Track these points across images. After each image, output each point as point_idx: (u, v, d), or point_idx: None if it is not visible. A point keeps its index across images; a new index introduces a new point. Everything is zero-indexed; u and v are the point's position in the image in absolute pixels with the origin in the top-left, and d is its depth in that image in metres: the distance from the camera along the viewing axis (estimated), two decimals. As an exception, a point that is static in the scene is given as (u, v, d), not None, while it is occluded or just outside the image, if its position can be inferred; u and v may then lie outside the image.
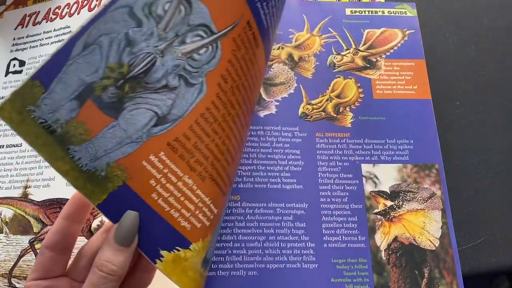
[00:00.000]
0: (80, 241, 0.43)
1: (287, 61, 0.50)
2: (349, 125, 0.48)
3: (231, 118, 0.33)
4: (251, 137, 0.46)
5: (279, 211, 0.44)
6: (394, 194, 0.45)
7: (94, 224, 0.46)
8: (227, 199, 0.36)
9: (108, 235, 0.30)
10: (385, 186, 0.45)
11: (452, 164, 0.47)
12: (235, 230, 0.43)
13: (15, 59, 0.56)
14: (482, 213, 0.46)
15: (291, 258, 0.42)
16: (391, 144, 0.47)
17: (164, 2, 0.29)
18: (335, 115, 0.48)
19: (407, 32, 0.52)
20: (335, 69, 0.50)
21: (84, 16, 0.56)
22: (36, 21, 0.58)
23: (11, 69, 0.56)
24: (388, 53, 0.51)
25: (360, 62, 0.50)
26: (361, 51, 0.51)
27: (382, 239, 0.44)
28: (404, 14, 0.53)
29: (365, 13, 0.53)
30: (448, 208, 0.44)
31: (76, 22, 0.56)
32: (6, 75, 0.56)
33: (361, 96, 0.49)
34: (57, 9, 0.58)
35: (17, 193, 0.49)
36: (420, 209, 0.44)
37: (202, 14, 0.30)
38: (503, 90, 0.52)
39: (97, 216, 0.46)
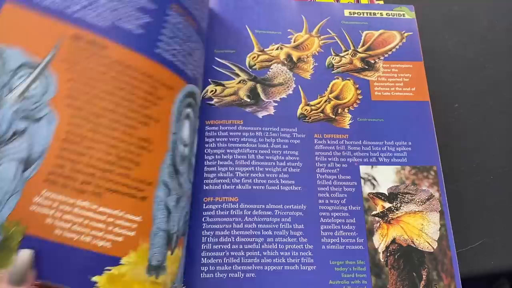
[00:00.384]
0: None
1: (285, 62, 0.50)
2: (348, 127, 0.47)
3: (106, 126, 0.34)
4: (250, 138, 0.46)
5: (277, 212, 0.44)
6: (392, 196, 0.45)
7: None
8: (168, 198, 0.36)
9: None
10: (384, 188, 0.45)
11: (452, 166, 0.47)
12: (233, 232, 0.43)
13: None
14: (481, 215, 0.46)
15: (289, 260, 0.42)
16: (389, 146, 0.47)
17: None
18: (334, 117, 0.48)
19: (405, 34, 0.52)
20: (333, 70, 0.50)
21: None
22: None
23: None
24: (386, 55, 0.51)
25: (358, 64, 0.50)
26: (360, 52, 0.51)
27: (380, 241, 0.43)
28: (402, 17, 0.53)
29: (363, 14, 0.53)
30: (446, 210, 0.44)
31: None
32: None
33: (360, 97, 0.49)
34: None
35: None
36: (418, 211, 0.44)
37: (16, 57, 0.32)
38: (502, 92, 0.52)
39: None
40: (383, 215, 0.44)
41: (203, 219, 0.43)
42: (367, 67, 0.50)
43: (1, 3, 0.33)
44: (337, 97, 0.49)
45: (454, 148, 0.49)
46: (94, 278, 0.31)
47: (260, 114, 0.47)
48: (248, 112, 0.47)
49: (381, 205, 0.45)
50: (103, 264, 0.32)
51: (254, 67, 0.49)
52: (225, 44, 0.50)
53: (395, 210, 0.44)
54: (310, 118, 0.48)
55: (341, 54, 0.51)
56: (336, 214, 0.44)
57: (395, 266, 0.43)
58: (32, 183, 0.31)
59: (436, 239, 0.43)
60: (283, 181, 0.45)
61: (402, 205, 0.45)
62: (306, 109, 0.48)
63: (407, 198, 0.45)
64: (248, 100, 0.48)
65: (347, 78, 0.50)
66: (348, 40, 0.51)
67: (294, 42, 0.51)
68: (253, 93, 0.48)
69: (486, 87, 0.52)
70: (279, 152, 0.46)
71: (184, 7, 0.40)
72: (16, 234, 0.30)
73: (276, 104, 0.48)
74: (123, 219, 0.33)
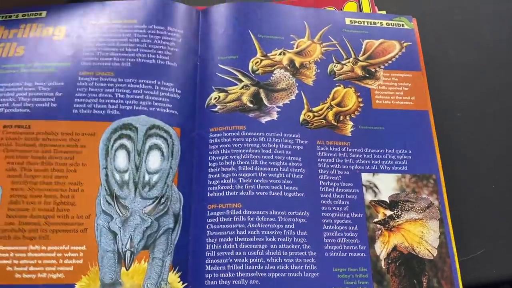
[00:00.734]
0: None
1: (288, 67, 0.50)
2: (349, 134, 0.48)
3: (41, 182, 0.42)
4: (253, 144, 0.46)
5: (280, 219, 0.43)
6: (393, 204, 0.46)
7: None
8: (111, 223, 0.42)
9: None
10: (385, 195, 0.46)
11: (453, 175, 0.48)
12: (236, 239, 0.42)
13: None
14: (483, 224, 0.47)
15: (292, 267, 0.42)
16: (390, 154, 0.47)
17: None
18: (336, 124, 0.48)
19: (405, 44, 0.53)
20: (335, 78, 0.50)
21: None
22: None
23: None
24: (386, 64, 0.52)
25: (359, 72, 0.51)
26: (361, 61, 0.51)
27: (381, 248, 0.44)
28: (401, 27, 0.54)
29: (364, 23, 0.53)
30: (446, 218, 0.45)
31: None
32: None
33: (361, 105, 0.49)
34: None
35: None
36: (418, 218, 0.45)
37: None
38: (504, 100, 0.54)
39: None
40: (384, 222, 0.45)
41: (207, 227, 0.43)
42: (368, 75, 0.51)
43: None
44: (339, 104, 0.49)
45: (456, 156, 0.50)
46: None
47: (263, 120, 0.47)
48: (251, 117, 0.47)
49: (382, 213, 0.45)
50: None
51: (257, 72, 0.49)
52: (228, 50, 0.50)
53: (396, 218, 0.45)
54: (312, 124, 0.48)
55: (342, 62, 0.51)
56: (339, 221, 0.44)
57: (396, 273, 0.43)
58: None
59: (436, 247, 0.44)
60: (286, 187, 0.45)
61: (403, 212, 0.45)
62: (308, 115, 0.48)
63: (408, 206, 0.46)
64: (251, 106, 0.48)
65: (349, 85, 0.50)
66: (349, 48, 0.52)
67: (297, 47, 0.51)
68: (256, 98, 0.48)
69: (488, 95, 0.54)
70: (282, 158, 0.46)
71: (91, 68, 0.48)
72: None
73: (279, 110, 0.48)
74: (70, 251, 0.41)
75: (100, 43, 0.49)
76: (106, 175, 0.43)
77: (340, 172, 0.46)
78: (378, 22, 0.54)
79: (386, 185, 0.46)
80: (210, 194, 0.44)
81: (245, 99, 0.48)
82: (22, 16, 0.51)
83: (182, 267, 0.41)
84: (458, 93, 0.55)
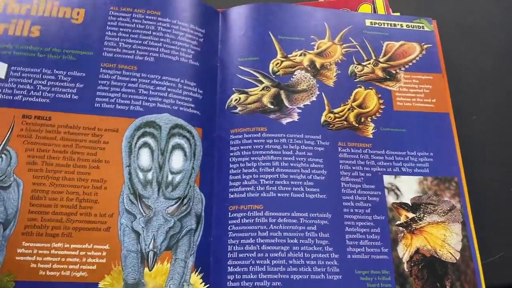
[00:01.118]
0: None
1: (309, 68, 0.50)
2: (371, 136, 0.48)
3: (63, 178, 0.42)
4: (274, 145, 0.45)
5: (302, 220, 0.43)
6: (415, 206, 0.45)
7: None
8: (134, 223, 0.41)
9: None
10: (407, 198, 0.45)
11: (474, 177, 0.48)
12: (258, 240, 0.42)
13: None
14: (505, 227, 0.47)
15: (315, 269, 0.42)
16: (411, 156, 0.47)
17: None
18: (357, 125, 0.48)
19: (425, 46, 0.52)
20: (356, 79, 0.50)
21: None
22: None
23: None
24: (407, 66, 0.51)
25: (380, 74, 0.51)
26: (381, 62, 0.51)
27: (404, 251, 0.44)
28: (421, 29, 0.53)
29: (384, 25, 0.53)
30: (468, 221, 0.45)
31: None
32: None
33: (382, 107, 0.49)
34: None
35: None
36: (440, 221, 0.45)
37: None
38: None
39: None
40: (407, 225, 0.44)
41: (228, 228, 0.43)
42: (388, 77, 0.51)
43: None
44: (360, 106, 0.49)
45: (476, 159, 0.50)
46: None
47: (284, 121, 0.47)
48: (272, 119, 0.47)
49: (404, 215, 0.45)
50: None
51: (277, 74, 0.49)
52: (248, 51, 0.50)
53: (418, 221, 0.45)
54: (334, 125, 0.47)
55: (363, 63, 0.51)
56: (361, 223, 0.44)
57: (419, 276, 0.43)
58: (13, 239, 0.39)
59: (459, 250, 0.44)
60: (308, 189, 0.44)
61: (425, 215, 0.45)
62: (330, 117, 0.48)
63: (430, 208, 0.45)
64: (272, 107, 0.47)
65: (370, 87, 0.50)
66: (370, 49, 0.52)
67: (317, 48, 0.51)
68: (277, 99, 0.48)
69: (505, 98, 0.54)
70: (303, 160, 0.45)
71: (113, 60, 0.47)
72: (8, 284, 0.38)
73: (300, 111, 0.48)
74: (93, 250, 0.40)
75: (123, 33, 0.48)
76: (130, 173, 0.43)
77: (362, 174, 0.46)
78: (398, 24, 0.54)
79: (408, 187, 0.46)
80: (232, 196, 0.44)
81: (266, 100, 0.48)
82: None
83: (204, 268, 0.41)
84: (474, 95, 0.54)
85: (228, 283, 0.41)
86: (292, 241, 0.42)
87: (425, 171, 0.47)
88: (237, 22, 0.51)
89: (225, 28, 0.51)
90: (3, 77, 0.44)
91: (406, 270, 0.43)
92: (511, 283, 0.44)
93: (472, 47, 0.57)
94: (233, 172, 0.45)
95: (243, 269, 0.41)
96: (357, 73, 0.50)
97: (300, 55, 0.50)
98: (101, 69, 0.46)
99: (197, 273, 0.41)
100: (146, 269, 0.40)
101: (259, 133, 0.46)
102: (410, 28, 0.54)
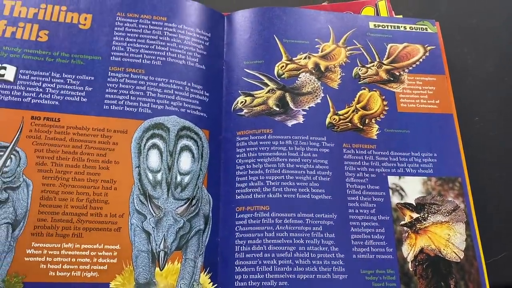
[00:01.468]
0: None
1: (313, 71, 0.50)
2: (375, 137, 0.48)
3: (73, 179, 0.42)
4: (279, 147, 0.46)
5: (308, 221, 0.44)
6: (419, 207, 0.46)
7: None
8: (144, 223, 0.42)
9: None
10: (411, 198, 0.46)
11: (478, 177, 0.48)
12: (264, 241, 0.43)
13: None
14: (509, 227, 0.47)
15: (321, 269, 0.42)
16: (415, 157, 0.48)
17: None
18: (362, 127, 0.49)
19: (428, 48, 0.53)
20: (360, 81, 0.51)
21: None
22: None
23: None
24: (410, 68, 0.52)
25: (384, 75, 0.51)
26: (385, 64, 0.52)
27: (409, 251, 0.44)
28: (425, 31, 0.54)
29: (387, 27, 0.54)
30: (472, 221, 0.46)
31: None
32: None
33: (386, 108, 0.50)
34: None
35: None
36: (444, 221, 0.45)
37: None
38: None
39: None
40: (411, 225, 0.45)
41: (235, 228, 0.43)
42: (392, 79, 0.51)
43: None
44: (364, 108, 0.49)
45: (480, 159, 0.50)
46: None
47: (290, 123, 0.48)
48: (278, 121, 0.48)
49: (409, 215, 0.45)
50: None
51: (282, 76, 0.50)
52: (254, 55, 0.51)
53: (422, 221, 0.45)
54: (338, 127, 0.48)
55: (367, 65, 0.52)
56: (366, 223, 0.45)
57: (423, 275, 0.43)
58: (23, 239, 0.39)
59: (463, 249, 0.44)
60: (314, 190, 0.45)
61: (429, 215, 0.46)
62: (334, 118, 0.48)
63: (434, 208, 0.46)
64: (277, 109, 0.48)
65: (374, 89, 0.50)
66: (374, 52, 0.52)
67: (322, 51, 0.52)
68: (282, 102, 0.49)
69: (507, 99, 0.54)
70: (308, 161, 0.46)
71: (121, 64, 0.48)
72: (17, 285, 0.38)
73: (305, 113, 0.48)
74: (104, 250, 0.40)
75: (130, 38, 0.49)
76: (139, 174, 0.43)
77: (367, 175, 0.46)
78: (401, 26, 0.54)
79: (412, 188, 0.46)
80: (238, 197, 0.45)
81: (271, 103, 0.48)
82: None
83: (212, 268, 0.42)
84: (476, 96, 0.55)
85: (235, 282, 0.41)
86: (298, 241, 0.43)
87: (429, 172, 0.47)
88: (242, 26, 0.52)
89: (230, 31, 0.52)
90: (11, 79, 0.44)
91: (411, 269, 0.43)
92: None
93: (474, 49, 0.58)
94: (239, 174, 0.45)
95: (250, 269, 0.42)
96: (361, 75, 0.51)
97: (305, 58, 0.51)
98: (109, 72, 0.47)
99: (205, 272, 0.41)
100: (157, 269, 0.41)
101: (265, 135, 0.47)
102: (413, 30, 0.54)
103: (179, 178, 0.43)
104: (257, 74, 0.50)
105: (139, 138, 0.44)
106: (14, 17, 0.47)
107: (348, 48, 0.52)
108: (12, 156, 0.41)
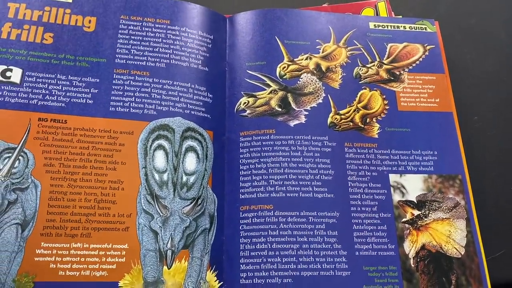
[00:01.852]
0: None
1: (315, 71, 0.51)
2: (376, 136, 0.49)
3: (81, 179, 0.43)
4: (282, 147, 0.47)
5: (311, 219, 0.45)
6: (420, 204, 0.47)
7: None
8: (152, 222, 0.43)
9: None
10: (412, 195, 0.47)
11: (478, 175, 0.49)
12: (269, 239, 0.44)
13: None
14: (509, 223, 0.48)
15: (324, 266, 0.43)
16: (416, 155, 0.49)
17: None
18: (363, 126, 0.49)
19: (428, 47, 0.54)
20: (361, 81, 0.52)
21: None
22: None
23: None
24: (410, 67, 0.53)
25: (384, 75, 0.52)
26: (385, 64, 0.53)
27: (410, 247, 0.45)
28: (424, 30, 0.55)
29: (387, 27, 0.55)
30: (472, 217, 0.46)
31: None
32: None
33: (387, 107, 0.50)
34: None
35: None
36: (445, 218, 0.46)
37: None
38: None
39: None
40: (412, 222, 0.46)
41: (240, 227, 0.44)
42: (392, 78, 0.52)
43: None
44: (365, 107, 0.50)
45: (479, 158, 0.51)
46: None
47: (292, 123, 0.48)
48: (280, 121, 0.48)
49: (410, 213, 0.46)
50: None
51: (284, 77, 0.51)
52: (256, 56, 0.51)
53: (423, 217, 0.46)
54: (340, 127, 0.49)
55: (367, 65, 0.52)
56: (368, 221, 0.45)
57: (425, 271, 0.44)
58: (32, 239, 0.40)
59: (463, 245, 0.45)
60: (316, 189, 0.46)
61: (430, 212, 0.46)
62: (336, 118, 0.49)
63: (435, 205, 0.47)
64: (280, 110, 0.49)
65: (374, 88, 0.51)
66: (374, 51, 0.53)
67: (323, 52, 0.52)
68: (284, 102, 0.49)
69: (506, 98, 0.55)
70: (311, 160, 0.47)
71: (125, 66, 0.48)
72: (27, 285, 0.39)
73: (307, 113, 0.49)
74: (112, 250, 0.41)
75: (134, 41, 0.49)
76: (146, 174, 0.44)
77: (368, 173, 0.47)
78: (401, 26, 0.55)
79: (413, 185, 0.47)
80: (242, 196, 0.45)
81: (274, 103, 0.49)
82: None
83: (218, 266, 0.43)
84: (475, 96, 0.56)
85: (241, 280, 0.42)
86: (301, 239, 0.44)
87: (429, 169, 0.48)
88: (244, 28, 0.53)
89: (232, 33, 0.53)
90: (18, 81, 0.45)
91: (413, 265, 0.44)
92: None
93: (474, 48, 0.58)
94: (243, 173, 0.46)
95: (255, 267, 0.43)
96: (362, 75, 0.52)
97: (306, 58, 0.52)
98: (115, 74, 0.47)
99: (211, 271, 0.42)
100: (165, 268, 0.42)
101: (268, 135, 0.48)
102: (413, 29, 0.55)
103: (184, 178, 0.44)
104: (259, 75, 0.50)
105: (145, 139, 0.45)
106: (19, 19, 0.48)
107: (348, 48, 0.53)
108: (20, 157, 0.42)
